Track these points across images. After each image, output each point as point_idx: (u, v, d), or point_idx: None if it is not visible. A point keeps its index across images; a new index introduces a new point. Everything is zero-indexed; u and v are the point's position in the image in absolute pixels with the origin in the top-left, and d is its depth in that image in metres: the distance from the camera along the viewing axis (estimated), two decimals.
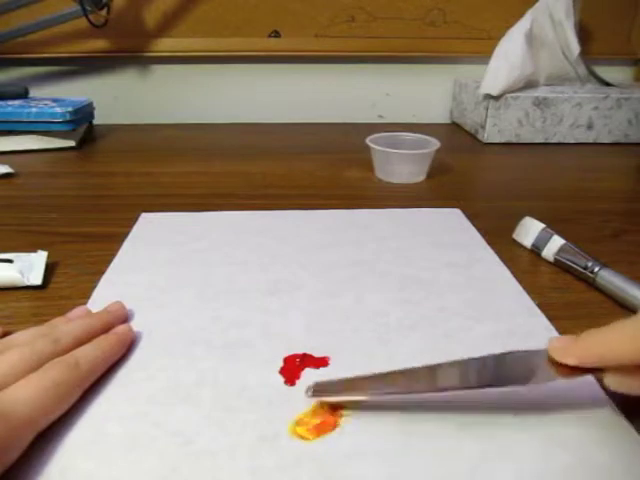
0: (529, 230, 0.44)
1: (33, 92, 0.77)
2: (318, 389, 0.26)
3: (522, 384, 0.24)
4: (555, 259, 0.41)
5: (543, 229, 0.43)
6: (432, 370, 0.26)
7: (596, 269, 0.38)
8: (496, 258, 0.42)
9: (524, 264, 0.42)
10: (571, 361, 0.24)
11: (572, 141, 0.78)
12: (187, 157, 0.70)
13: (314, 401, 0.27)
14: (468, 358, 0.27)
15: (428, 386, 0.26)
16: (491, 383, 0.25)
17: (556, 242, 0.41)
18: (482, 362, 0.26)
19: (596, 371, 0.24)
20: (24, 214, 0.51)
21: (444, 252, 0.43)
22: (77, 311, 0.33)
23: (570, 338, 0.25)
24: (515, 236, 0.45)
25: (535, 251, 0.43)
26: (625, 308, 0.36)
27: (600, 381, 0.24)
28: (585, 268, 0.38)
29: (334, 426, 0.25)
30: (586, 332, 0.24)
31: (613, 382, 0.24)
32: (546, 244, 0.42)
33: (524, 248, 0.44)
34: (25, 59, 0.85)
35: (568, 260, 0.40)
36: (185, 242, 0.44)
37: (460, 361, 0.27)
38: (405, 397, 0.26)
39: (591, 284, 0.38)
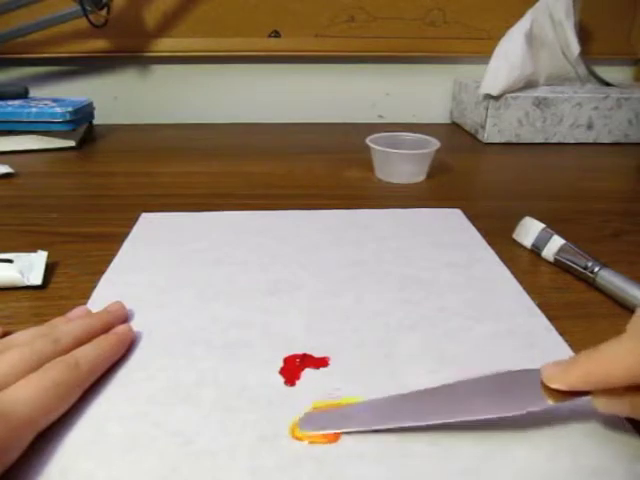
0: (529, 230, 0.44)
1: (33, 92, 0.77)
2: (310, 423, 0.26)
3: (515, 411, 0.24)
4: (555, 259, 0.41)
5: (543, 229, 0.43)
6: (423, 399, 0.26)
7: (596, 269, 0.38)
8: (496, 258, 0.42)
9: (524, 264, 0.42)
10: (566, 388, 0.24)
11: (572, 141, 0.78)
12: (187, 157, 0.70)
13: (314, 403, 0.27)
14: (461, 381, 0.27)
15: (417, 417, 0.26)
16: (484, 410, 0.25)
17: (556, 242, 0.41)
18: (476, 386, 0.26)
19: (586, 394, 0.24)
20: (24, 214, 0.51)
21: (444, 252, 0.43)
22: (77, 311, 0.33)
23: (563, 364, 0.25)
24: (515, 236, 0.45)
25: (535, 251, 0.43)
26: (625, 308, 0.36)
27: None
28: (585, 268, 0.38)
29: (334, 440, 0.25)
30: (578, 356, 0.24)
31: (601, 404, 0.24)
32: (546, 244, 0.42)
33: (524, 248, 0.44)
34: (25, 59, 0.85)
35: (568, 260, 0.40)
36: (185, 242, 0.44)
37: (453, 385, 0.27)
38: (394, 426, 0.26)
39: (591, 284, 0.38)
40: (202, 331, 0.33)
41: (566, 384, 0.24)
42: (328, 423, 0.26)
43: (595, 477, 0.23)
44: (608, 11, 0.89)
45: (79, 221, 0.50)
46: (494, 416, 0.25)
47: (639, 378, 0.22)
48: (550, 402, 0.24)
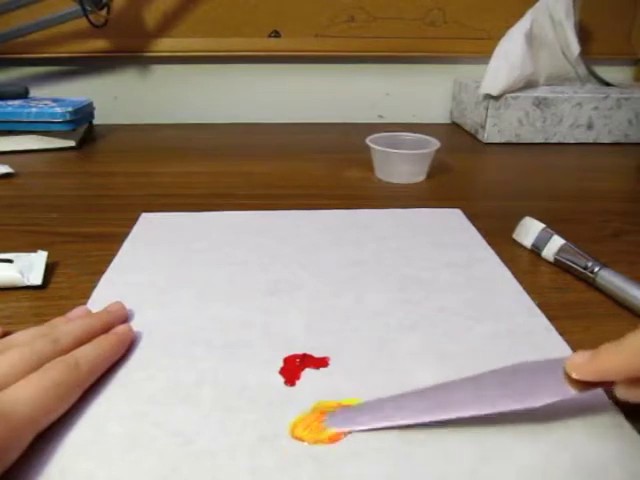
0: (529, 230, 0.44)
1: (33, 92, 0.77)
2: (335, 421, 0.26)
3: (537, 402, 0.24)
4: (555, 259, 0.41)
5: (543, 229, 0.43)
6: (443, 392, 0.26)
7: (596, 269, 0.38)
8: (496, 258, 0.42)
9: (524, 264, 0.42)
10: (591, 378, 0.24)
11: (572, 141, 0.78)
12: (187, 157, 0.70)
13: (314, 403, 0.27)
14: (478, 375, 0.27)
15: (439, 411, 0.26)
16: (506, 403, 0.25)
17: (556, 242, 0.41)
18: (493, 379, 0.26)
19: (609, 383, 0.24)
20: (24, 214, 0.51)
21: (444, 252, 0.43)
22: (77, 311, 0.33)
23: (587, 354, 0.24)
24: (515, 236, 0.45)
25: (535, 251, 0.43)
26: (625, 308, 0.36)
27: (609, 391, 0.24)
28: (585, 268, 0.38)
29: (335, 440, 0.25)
30: (603, 347, 0.24)
31: (625, 393, 0.24)
32: (546, 244, 0.42)
33: (524, 248, 0.44)
34: (25, 59, 0.85)
35: (568, 260, 0.40)
36: (185, 242, 0.44)
37: (470, 379, 0.27)
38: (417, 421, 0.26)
39: (591, 284, 0.38)
40: (202, 331, 0.33)
41: (591, 374, 0.24)
42: (355, 420, 0.26)
43: (595, 477, 0.23)
44: (608, 11, 0.89)
45: (79, 221, 0.50)
46: (519, 408, 0.25)
47: None
48: (574, 391, 0.24)
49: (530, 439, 0.25)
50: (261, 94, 0.91)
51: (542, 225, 0.43)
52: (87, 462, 0.24)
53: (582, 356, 0.25)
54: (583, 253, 0.40)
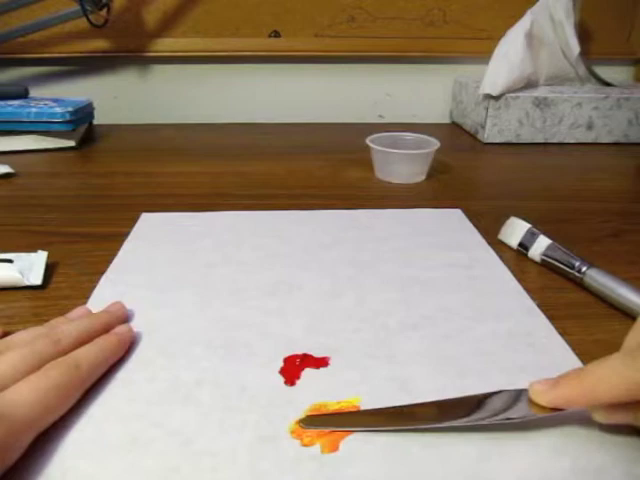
0: (515, 230, 0.43)
1: (33, 92, 0.77)
2: (311, 422, 0.26)
3: (493, 419, 0.25)
4: (542, 259, 0.41)
5: (529, 229, 0.42)
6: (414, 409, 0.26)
7: (584, 269, 0.38)
8: (496, 258, 0.42)
9: (524, 264, 0.42)
10: (551, 405, 0.24)
11: (572, 141, 0.78)
12: (187, 157, 0.70)
13: (313, 403, 0.27)
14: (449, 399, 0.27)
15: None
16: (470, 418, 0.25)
17: (542, 242, 0.41)
18: (464, 401, 0.26)
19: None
20: (24, 214, 0.51)
21: (444, 252, 0.43)
22: (77, 311, 0.33)
23: (550, 383, 0.25)
24: (500, 236, 0.45)
25: (522, 252, 0.43)
26: (614, 308, 0.36)
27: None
28: (572, 268, 0.38)
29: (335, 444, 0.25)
30: (564, 376, 0.25)
31: (605, 418, 0.24)
32: (533, 244, 0.42)
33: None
34: (25, 59, 0.85)
35: (555, 260, 0.40)
36: (185, 242, 0.44)
37: (441, 402, 0.27)
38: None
39: (579, 284, 0.38)
40: (202, 331, 0.33)
41: (549, 402, 0.24)
42: (331, 422, 0.26)
43: (595, 478, 0.23)
44: (608, 11, 0.89)
45: (79, 221, 0.50)
46: (475, 423, 0.25)
47: (623, 398, 0.22)
48: (533, 412, 0.25)
49: (530, 441, 0.25)
50: (261, 94, 0.91)
51: (528, 225, 0.43)
52: (87, 462, 0.24)
53: (544, 384, 0.25)
54: (570, 253, 0.39)
